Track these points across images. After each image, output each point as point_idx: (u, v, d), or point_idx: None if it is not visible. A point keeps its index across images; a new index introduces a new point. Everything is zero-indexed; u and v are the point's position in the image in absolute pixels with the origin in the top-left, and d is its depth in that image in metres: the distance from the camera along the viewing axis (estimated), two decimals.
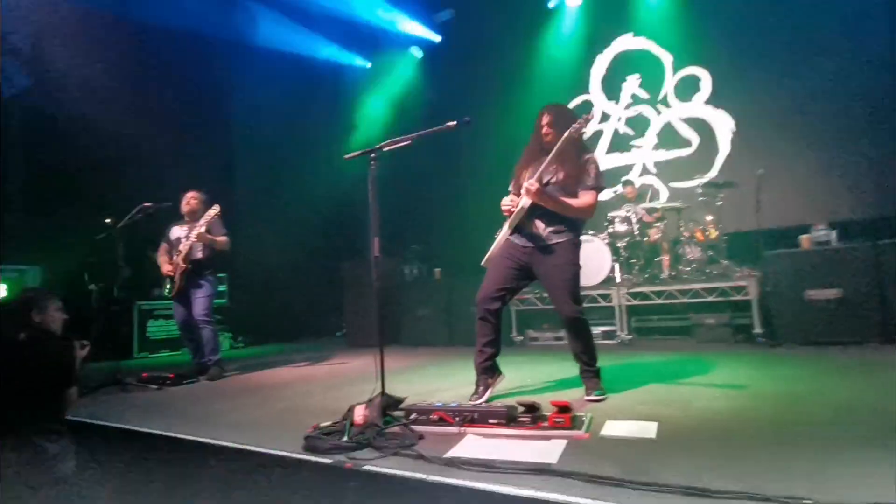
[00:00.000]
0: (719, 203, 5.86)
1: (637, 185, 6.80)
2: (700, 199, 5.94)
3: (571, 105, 7.81)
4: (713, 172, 6.71)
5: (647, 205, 6.25)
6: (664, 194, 7.06)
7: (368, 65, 9.69)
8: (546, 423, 2.42)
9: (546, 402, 2.58)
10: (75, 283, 6.22)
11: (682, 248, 5.92)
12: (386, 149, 2.88)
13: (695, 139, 7.06)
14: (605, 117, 7.73)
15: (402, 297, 6.93)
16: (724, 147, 6.85)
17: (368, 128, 8.64)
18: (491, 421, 2.48)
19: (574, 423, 2.40)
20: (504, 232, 3.18)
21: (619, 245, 6.10)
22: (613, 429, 2.41)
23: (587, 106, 7.81)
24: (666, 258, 5.94)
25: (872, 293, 4.49)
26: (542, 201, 3.00)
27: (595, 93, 7.82)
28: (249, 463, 2.43)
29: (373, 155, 2.84)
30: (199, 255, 4.81)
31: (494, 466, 1.96)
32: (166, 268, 4.83)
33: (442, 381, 4.06)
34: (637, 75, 7.49)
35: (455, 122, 2.94)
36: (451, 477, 1.91)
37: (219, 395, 4.00)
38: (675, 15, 7.10)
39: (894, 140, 5.54)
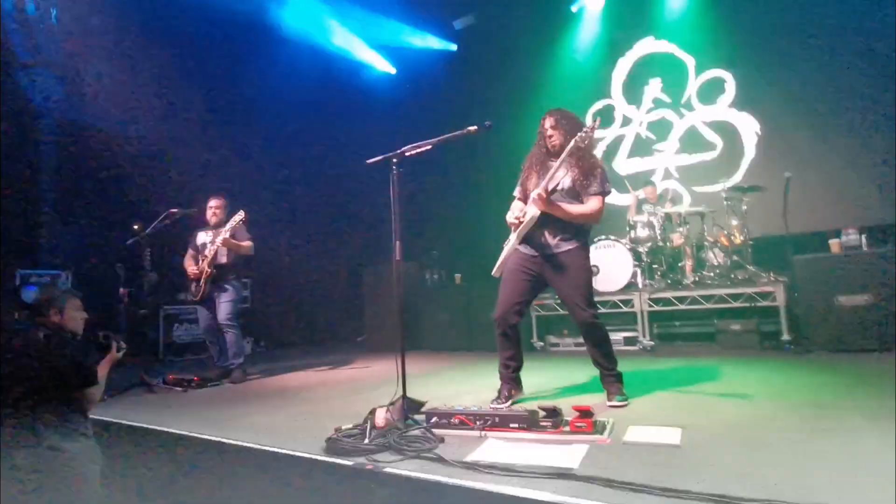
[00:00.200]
0: (745, 207, 5.75)
1: (659, 188, 6.73)
2: (725, 203, 5.84)
3: (592, 110, 7.83)
4: (738, 176, 6.60)
5: (670, 209, 6.17)
6: (687, 199, 6.97)
7: (393, 70, 9.79)
8: (567, 428, 2.40)
9: (567, 406, 2.56)
10: (104, 288, 6.38)
11: (707, 253, 5.82)
12: (408, 154, 2.91)
13: (719, 143, 6.96)
14: (626, 121, 7.67)
15: (423, 301, 6.95)
16: (750, 150, 6.74)
17: (391, 132, 8.72)
18: (512, 425, 2.48)
19: (596, 428, 2.37)
20: (512, 242, 3.16)
21: (640, 250, 6.03)
22: (636, 434, 2.38)
23: (609, 110, 7.76)
24: (689, 263, 5.85)
25: None
26: (551, 210, 3.00)
27: (616, 97, 7.77)
28: (272, 464, 2.47)
29: (394, 160, 2.86)
30: (224, 259, 4.90)
31: (515, 470, 1.96)
32: (192, 272, 4.93)
33: (462, 385, 4.06)
34: (659, 79, 7.42)
35: (476, 127, 2.95)
36: (472, 480, 1.91)
37: (242, 398, 4.06)
38: (698, 18, 7.02)
39: None
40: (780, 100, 6.42)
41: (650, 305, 5.69)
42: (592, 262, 5.90)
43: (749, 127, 6.75)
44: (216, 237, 4.79)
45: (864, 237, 4.82)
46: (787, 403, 2.96)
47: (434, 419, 2.61)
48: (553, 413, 2.49)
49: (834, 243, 4.93)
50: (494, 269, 3.29)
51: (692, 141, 7.14)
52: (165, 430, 3.02)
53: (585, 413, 2.41)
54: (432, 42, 9.22)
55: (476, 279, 6.85)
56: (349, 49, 9.21)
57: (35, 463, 2.31)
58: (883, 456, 1.96)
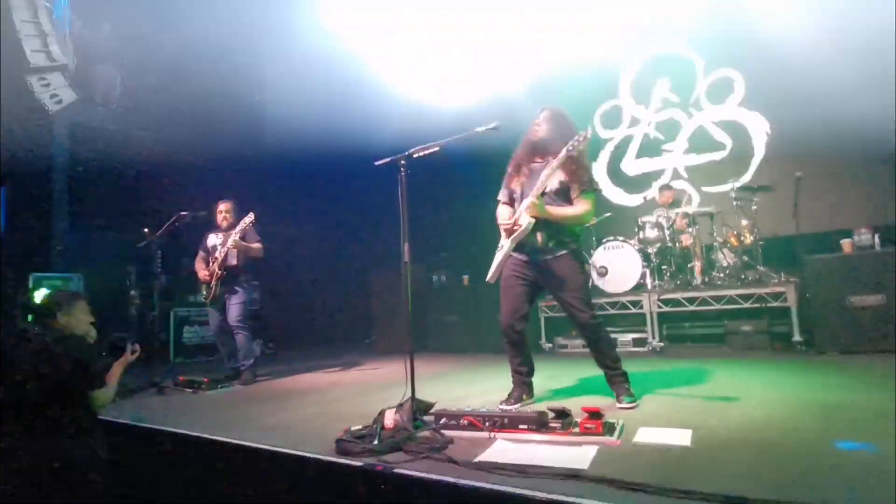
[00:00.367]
0: (754, 207, 5.71)
1: (673, 195, 6.69)
2: (735, 203, 5.80)
3: (600, 110, 7.80)
4: (748, 176, 6.55)
5: (679, 209, 6.14)
6: (695, 199, 6.93)
7: None
8: (577, 430, 2.39)
9: (577, 407, 2.55)
10: (116, 290, 6.45)
11: (716, 253, 5.79)
12: (415, 155, 2.91)
13: (728, 142, 6.91)
14: (634, 122, 7.64)
15: (431, 303, 6.95)
16: (759, 150, 6.69)
17: (398, 133, 8.73)
18: (521, 426, 2.47)
19: (605, 429, 2.36)
20: (506, 249, 3.15)
21: (649, 251, 6.00)
22: (647, 436, 2.37)
23: (616, 110, 7.74)
24: (698, 264, 5.82)
25: None
26: (545, 215, 2.99)
27: (624, 97, 7.74)
28: (281, 465, 2.48)
29: (402, 161, 2.87)
30: (234, 262, 4.93)
31: (524, 471, 1.95)
32: (202, 274, 4.96)
33: (471, 387, 4.05)
34: (667, 79, 7.39)
35: (483, 128, 2.96)
36: (481, 481, 1.91)
37: (252, 399, 4.08)
38: (706, 17, 6.97)
39: None
40: (790, 99, 6.35)
41: (659, 306, 5.66)
42: (601, 264, 5.98)
43: (759, 126, 6.70)
44: (226, 240, 4.82)
45: (876, 237, 4.77)
46: (799, 404, 2.93)
47: (443, 420, 2.61)
48: (562, 414, 2.48)
49: (846, 243, 4.88)
50: (489, 276, 3.30)
51: (701, 141, 7.10)
52: (175, 431, 3.04)
53: (595, 414, 2.40)
54: None
55: (484, 281, 6.81)
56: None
57: (41, 465, 2.32)
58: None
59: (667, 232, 5.95)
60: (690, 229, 5.92)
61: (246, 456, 2.62)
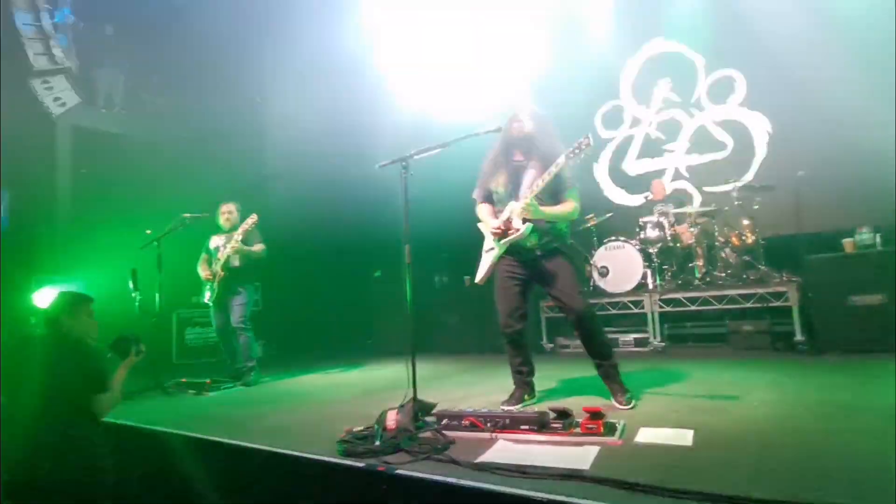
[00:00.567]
0: (756, 207, 5.71)
1: (668, 187, 6.70)
2: (736, 202, 5.79)
3: (602, 111, 7.80)
4: (749, 176, 6.54)
5: (679, 209, 6.13)
6: (697, 199, 6.92)
7: None
8: (578, 430, 2.40)
9: (578, 408, 2.55)
10: (118, 292, 6.45)
11: (717, 253, 5.79)
12: (417, 157, 2.92)
13: (730, 142, 6.91)
14: (635, 122, 7.63)
15: (432, 304, 6.95)
16: (761, 150, 6.68)
17: (401, 135, 8.74)
18: (522, 427, 2.48)
19: (607, 429, 2.37)
20: (497, 251, 3.16)
21: (650, 251, 6.00)
22: (648, 436, 2.37)
23: (618, 111, 7.73)
24: (700, 263, 5.82)
25: None
26: (540, 216, 2.99)
27: (625, 98, 7.74)
28: (283, 466, 2.49)
29: (404, 163, 2.88)
30: (237, 263, 4.95)
31: (526, 472, 1.96)
32: (205, 276, 4.98)
33: (472, 387, 4.06)
34: (668, 79, 7.38)
35: (484, 130, 2.97)
36: (483, 482, 1.91)
37: (254, 400, 4.09)
38: (707, 17, 6.97)
39: None
40: (792, 98, 6.35)
41: (661, 306, 5.66)
42: (602, 264, 5.99)
43: (760, 126, 6.69)
44: (229, 241, 4.85)
45: (878, 236, 4.76)
46: (801, 404, 2.94)
47: (444, 421, 2.62)
48: (564, 415, 2.49)
49: (847, 242, 4.88)
50: (479, 278, 3.30)
51: (702, 141, 7.09)
52: (178, 432, 3.05)
53: (596, 414, 2.40)
54: None
55: (485, 282, 6.84)
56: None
57: (44, 471, 2.30)
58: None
59: (668, 231, 5.94)
60: (692, 229, 5.92)
61: (248, 457, 2.63)
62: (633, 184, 7.48)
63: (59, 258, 6.86)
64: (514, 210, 3.03)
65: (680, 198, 6.62)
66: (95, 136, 7.30)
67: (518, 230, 3.00)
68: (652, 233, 6.00)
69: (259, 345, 6.18)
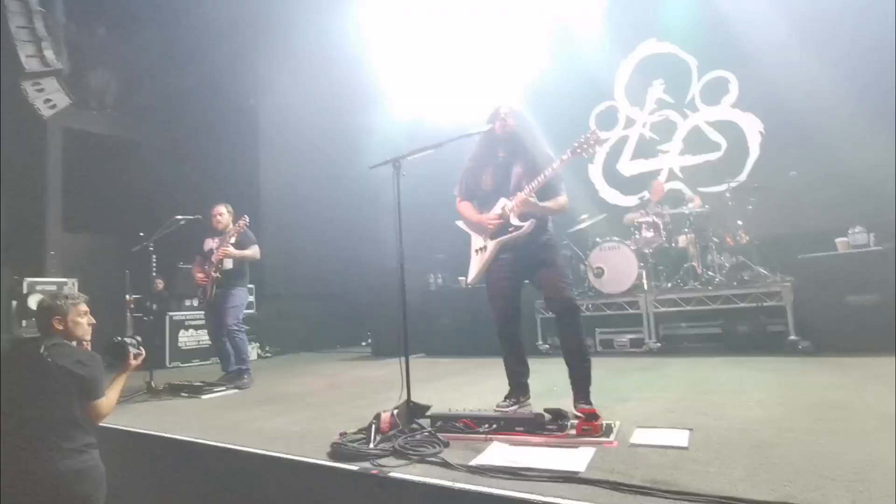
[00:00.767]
0: (750, 207, 5.72)
1: (665, 187, 6.72)
2: (730, 203, 5.81)
3: (595, 111, 7.82)
4: (743, 176, 6.56)
5: (674, 210, 6.14)
6: (691, 199, 6.93)
7: None
8: (573, 431, 2.39)
9: (573, 409, 2.54)
10: (111, 295, 6.42)
11: (712, 253, 5.80)
12: (410, 157, 2.91)
13: (723, 143, 6.93)
14: (629, 123, 7.65)
15: (427, 305, 6.94)
16: (754, 150, 6.71)
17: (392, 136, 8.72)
18: (517, 428, 2.47)
19: (602, 430, 2.36)
20: (491, 250, 3.11)
21: (646, 252, 6.00)
22: (643, 437, 2.36)
23: (612, 112, 7.75)
24: (694, 264, 5.83)
25: None
26: (539, 211, 2.98)
27: (619, 99, 7.75)
28: (277, 470, 2.46)
29: (397, 164, 2.86)
30: (230, 265, 4.92)
31: (521, 474, 1.95)
32: (198, 278, 4.95)
33: (467, 389, 4.05)
34: (662, 80, 7.40)
35: (476, 131, 2.96)
36: (477, 484, 1.90)
37: (247, 403, 4.06)
38: (699, 18, 7.00)
39: None
40: (784, 99, 6.37)
41: (656, 307, 5.66)
42: (598, 264, 5.98)
43: (753, 126, 6.72)
44: (222, 243, 4.82)
45: (871, 235, 4.78)
46: (796, 404, 2.93)
47: (439, 423, 2.60)
48: (559, 416, 2.48)
49: (840, 242, 4.89)
50: (471, 278, 3.27)
51: (696, 141, 7.11)
52: (171, 436, 3.02)
53: (591, 416, 2.40)
54: None
55: (480, 282, 6.82)
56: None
57: (36, 483, 2.22)
58: (893, 456, 1.94)
59: (663, 232, 5.95)
60: (686, 230, 5.93)
61: (241, 460, 2.61)
62: (627, 184, 7.49)
63: (51, 260, 6.81)
64: (507, 206, 3.01)
65: (676, 198, 6.62)
66: (86, 138, 7.24)
67: (522, 226, 2.97)
68: (647, 233, 6.00)
69: (252, 347, 6.16)
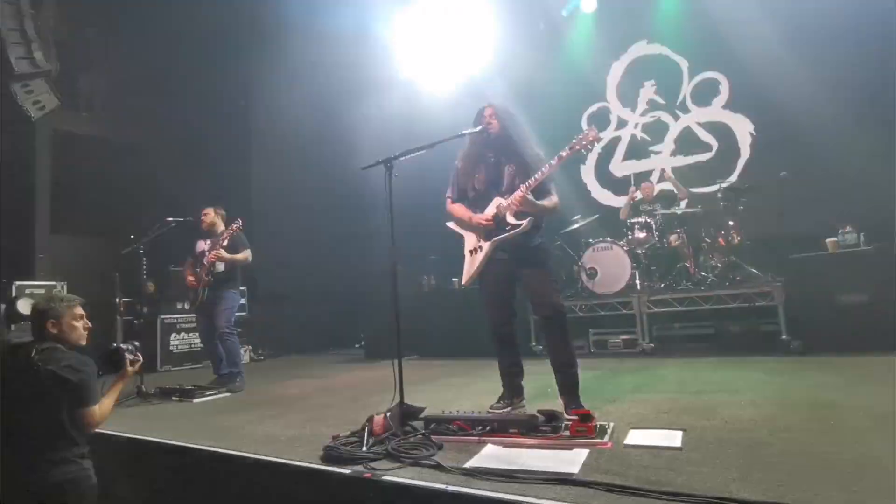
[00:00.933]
0: (741, 208, 5.75)
1: (656, 189, 6.75)
2: (721, 204, 5.84)
3: (587, 112, 7.83)
4: (734, 177, 6.60)
5: (666, 210, 6.16)
6: (683, 200, 6.96)
7: None
8: (567, 433, 2.38)
9: (567, 410, 2.54)
10: (101, 298, 6.35)
11: (704, 254, 5.82)
12: (402, 158, 2.90)
13: (714, 144, 6.97)
14: (621, 124, 7.68)
15: (420, 307, 6.91)
16: (745, 151, 6.75)
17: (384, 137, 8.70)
18: (511, 430, 2.46)
19: (596, 432, 2.35)
20: (486, 251, 3.09)
21: (638, 252, 6.02)
22: (637, 438, 2.36)
23: (604, 112, 7.77)
24: (687, 265, 5.85)
25: None
26: (535, 210, 2.97)
27: (611, 100, 7.78)
28: (269, 474, 2.44)
29: (389, 165, 2.85)
30: (222, 268, 4.88)
31: (514, 476, 1.93)
32: (189, 281, 4.91)
33: (461, 391, 4.03)
34: (653, 81, 7.44)
35: (468, 130, 2.96)
36: (471, 487, 1.89)
37: (239, 407, 4.02)
38: (690, 20, 7.04)
39: None
40: (775, 100, 6.41)
41: (649, 307, 5.67)
42: (590, 265, 5.99)
43: (744, 127, 6.77)
44: (214, 245, 4.78)
45: (861, 235, 4.81)
46: (788, 404, 2.95)
47: (432, 425, 2.59)
48: (553, 417, 2.47)
49: (830, 242, 4.93)
50: (465, 280, 3.25)
51: (687, 142, 7.15)
52: (163, 441, 2.98)
53: (585, 417, 2.39)
54: None
55: (474, 284, 6.81)
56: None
57: (17, 497, 2.16)
58: (886, 456, 1.94)
59: (655, 233, 5.97)
60: (678, 230, 5.95)
61: (233, 465, 2.58)
62: (619, 185, 7.51)
63: (39, 263, 6.73)
64: (501, 205, 3.00)
65: (668, 198, 6.64)
66: (75, 140, 7.17)
67: (520, 224, 2.96)
68: (640, 234, 6.02)
69: (245, 350, 6.11)
